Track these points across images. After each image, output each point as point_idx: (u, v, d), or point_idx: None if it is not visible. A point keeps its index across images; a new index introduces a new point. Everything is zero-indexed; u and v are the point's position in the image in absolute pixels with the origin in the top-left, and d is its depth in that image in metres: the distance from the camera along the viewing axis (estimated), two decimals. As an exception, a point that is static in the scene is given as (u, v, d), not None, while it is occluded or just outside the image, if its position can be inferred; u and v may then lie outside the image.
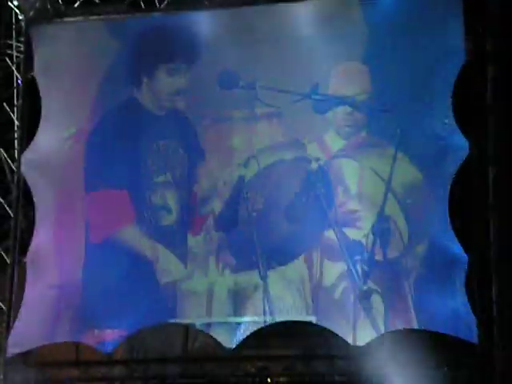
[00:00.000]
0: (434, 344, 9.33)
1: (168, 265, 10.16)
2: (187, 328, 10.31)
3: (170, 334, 10.39)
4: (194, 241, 10.18)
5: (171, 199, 10.31)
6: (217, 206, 10.19)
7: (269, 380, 9.86)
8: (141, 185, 10.42)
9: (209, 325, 9.95)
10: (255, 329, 9.79)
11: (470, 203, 9.55)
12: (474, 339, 9.25)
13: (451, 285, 9.43)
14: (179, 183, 10.34)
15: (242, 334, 9.84)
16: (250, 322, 9.83)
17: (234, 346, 9.79)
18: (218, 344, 9.85)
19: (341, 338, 9.47)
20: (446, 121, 9.63)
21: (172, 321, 10.04)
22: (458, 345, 9.30)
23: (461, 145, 9.56)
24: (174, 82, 10.50)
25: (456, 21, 9.78)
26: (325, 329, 9.59)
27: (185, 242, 10.20)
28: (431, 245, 9.56)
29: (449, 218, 9.45)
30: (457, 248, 9.44)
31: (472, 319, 9.26)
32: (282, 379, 9.91)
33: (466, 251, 9.39)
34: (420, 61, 9.85)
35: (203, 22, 10.53)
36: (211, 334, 9.89)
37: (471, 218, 9.52)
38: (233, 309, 9.91)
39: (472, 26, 9.78)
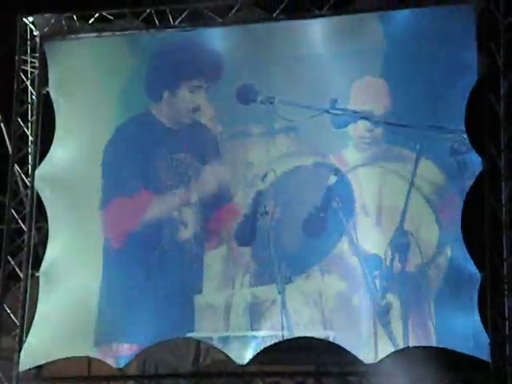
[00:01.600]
0: (446, 361, 9.28)
1: (185, 278, 10.15)
2: (199, 343, 10.31)
3: (182, 350, 10.39)
4: (211, 255, 10.18)
5: (188, 214, 10.31)
6: (236, 220, 10.17)
7: (280, 396, 9.84)
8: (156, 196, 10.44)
9: (226, 339, 9.91)
10: (267, 345, 9.76)
11: (482, 220, 9.50)
12: (487, 357, 9.19)
13: (464, 302, 9.38)
14: (196, 198, 10.34)
15: (254, 349, 9.81)
16: (268, 336, 9.78)
17: (245, 362, 9.77)
18: (230, 360, 9.83)
19: (353, 354, 9.43)
20: (464, 136, 9.61)
21: (190, 335, 10.02)
22: (470, 362, 9.25)
23: (472, 164, 9.53)
24: (195, 98, 10.52)
25: (469, 36, 9.77)
26: (337, 345, 9.55)
27: (202, 256, 10.19)
28: (451, 259, 9.49)
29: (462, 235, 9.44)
30: (470, 265, 9.40)
31: (484, 337, 9.20)
32: (293, 395, 9.89)
33: (478, 268, 9.35)
34: (434, 76, 9.84)
35: (222, 38, 10.57)
36: (225, 349, 9.85)
37: (484, 235, 9.47)
38: (250, 323, 9.88)
39: (485, 42, 9.77)
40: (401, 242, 9.63)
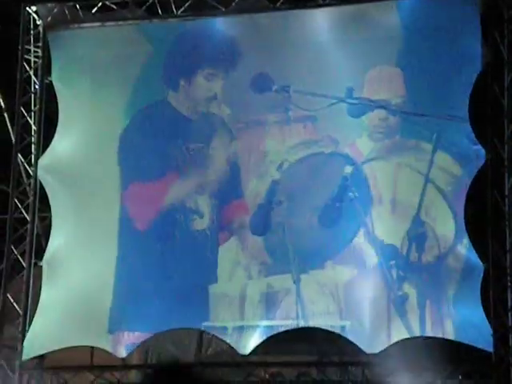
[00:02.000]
0: (448, 352, 9.29)
1: (199, 267, 10.14)
2: (201, 334, 10.32)
3: (184, 340, 10.41)
4: (225, 245, 10.16)
5: (203, 203, 10.29)
6: (251, 210, 10.14)
7: (282, 386, 9.86)
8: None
9: (241, 328, 9.87)
10: (269, 335, 9.78)
11: (485, 211, 9.50)
12: (490, 348, 9.19)
13: (467, 293, 9.39)
14: (211, 187, 10.34)
15: (256, 339, 9.82)
16: (283, 326, 9.75)
17: (247, 352, 9.78)
18: (232, 350, 9.84)
19: (355, 345, 9.44)
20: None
21: (205, 324, 9.97)
22: (472, 353, 9.26)
23: (477, 153, 9.51)
24: (211, 86, 10.46)
25: (473, 27, 9.73)
26: (340, 335, 9.57)
27: (216, 245, 10.18)
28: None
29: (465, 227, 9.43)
30: (473, 256, 9.40)
31: (487, 327, 9.20)
32: (295, 386, 9.91)
33: (481, 260, 9.35)
34: (442, 66, 9.80)
35: (235, 27, 10.54)
36: (238, 340, 9.83)
37: (486, 227, 9.46)
38: (265, 312, 9.85)
39: (489, 33, 9.74)
40: (418, 232, 9.57)
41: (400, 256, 9.56)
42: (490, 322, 9.20)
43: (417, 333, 9.41)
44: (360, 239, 9.73)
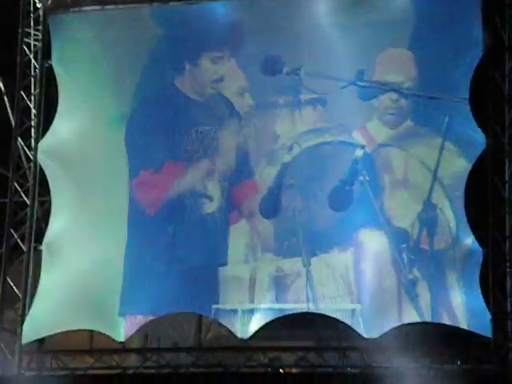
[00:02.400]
0: (447, 337, 9.31)
1: (209, 250, 10.15)
2: (200, 318, 10.34)
3: (184, 324, 10.43)
4: (235, 228, 10.15)
5: (212, 186, 10.28)
6: (260, 193, 10.12)
7: (281, 371, 9.86)
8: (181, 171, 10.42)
9: (251, 311, 9.87)
10: (269, 319, 9.80)
11: (485, 197, 9.49)
12: (488, 333, 9.21)
13: (466, 279, 9.40)
14: (220, 171, 10.31)
15: (256, 324, 9.84)
16: (293, 309, 9.74)
17: (247, 337, 9.80)
18: (232, 334, 9.86)
19: (354, 330, 9.46)
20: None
21: (215, 307, 9.97)
22: (471, 338, 9.28)
23: (478, 138, 9.50)
24: (217, 69, 10.43)
25: (474, 13, 9.69)
26: (338, 320, 9.58)
27: (226, 228, 10.18)
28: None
29: (465, 212, 9.43)
30: (472, 242, 9.40)
31: (486, 313, 9.22)
32: (294, 370, 9.91)
33: (480, 245, 9.35)
34: (445, 51, 9.76)
35: (244, 9, 10.47)
36: (247, 322, 9.84)
37: (486, 213, 9.45)
38: (275, 295, 9.84)
39: (490, 18, 9.70)
40: (429, 216, 9.57)
41: (411, 240, 9.57)
42: (488, 308, 9.21)
43: (428, 317, 9.42)
44: (371, 223, 9.72)
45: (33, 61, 10.96)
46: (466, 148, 9.60)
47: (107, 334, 10.15)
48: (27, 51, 10.96)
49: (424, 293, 9.47)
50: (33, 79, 10.94)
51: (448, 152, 9.62)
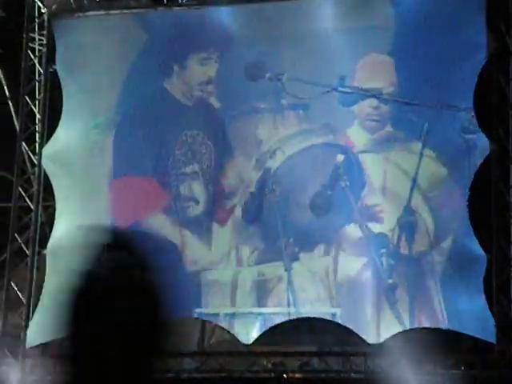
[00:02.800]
0: (451, 343, 9.28)
1: (193, 255, 10.17)
2: (204, 323, 10.34)
3: (187, 329, 10.41)
4: (219, 232, 10.19)
5: (199, 190, 10.32)
6: (243, 197, 10.17)
7: (284, 376, 9.85)
8: (168, 175, 10.45)
9: (232, 315, 9.93)
10: (273, 324, 9.79)
11: (489, 202, 9.47)
12: (493, 339, 9.18)
13: (470, 284, 9.37)
14: (206, 174, 10.35)
15: (259, 329, 9.83)
16: (274, 313, 9.80)
17: (250, 342, 9.79)
18: (235, 340, 9.85)
19: (357, 335, 9.45)
20: (473, 114, 9.53)
21: (197, 311, 10.02)
22: (475, 344, 9.25)
23: (482, 143, 9.48)
24: (205, 71, 10.48)
25: (478, 17, 9.68)
26: (342, 326, 9.57)
27: (211, 232, 10.21)
28: (455, 242, 9.49)
29: (468, 217, 9.40)
30: (476, 247, 9.37)
31: (490, 319, 9.19)
32: (297, 375, 9.89)
33: (485, 251, 9.33)
34: (443, 56, 9.76)
35: (232, 15, 10.53)
36: (230, 327, 9.87)
37: (491, 218, 9.43)
38: (257, 300, 9.90)
39: (494, 23, 9.69)
40: (408, 221, 9.60)
41: (390, 245, 9.60)
42: (492, 313, 9.18)
43: (407, 324, 9.45)
44: (351, 227, 9.76)
45: (37, 65, 10.99)
46: (445, 154, 9.63)
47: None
48: (32, 56, 10.99)
49: (403, 298, 9.50)
50: (37, 84, 10.97)
51: (427, 158, 9.66)
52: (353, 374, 9.60)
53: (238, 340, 9.82)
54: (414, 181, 9.66)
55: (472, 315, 9.29)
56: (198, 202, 10.27)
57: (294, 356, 9.88)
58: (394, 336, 9.38)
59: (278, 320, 9.76)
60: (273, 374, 9.88)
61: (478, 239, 9.33)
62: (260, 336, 9.76)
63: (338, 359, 9.70)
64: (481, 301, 9.21)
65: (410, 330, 9.43)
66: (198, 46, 10.54)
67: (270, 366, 9.93)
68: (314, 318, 9.71)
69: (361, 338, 9.43)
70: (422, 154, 9.66)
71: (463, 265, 9.43)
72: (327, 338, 9.83)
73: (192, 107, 10.52)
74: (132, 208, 10.50)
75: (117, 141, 10.67)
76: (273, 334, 9.78)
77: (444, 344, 9.24)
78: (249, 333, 9.82)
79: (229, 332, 9.92)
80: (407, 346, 9.20)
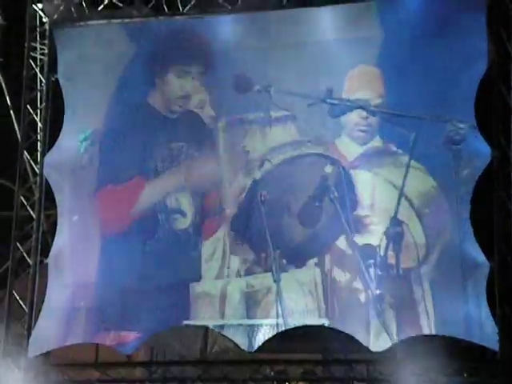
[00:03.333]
0: (452, 350, 9.28)
1: (181, 266, 10.18)
2: (206, 331, 10.34)
3: (190, 337, 10.42)
4: (208, 243, 10.21)
5: (185, 203, 10.33)
6: (231, 209, 10.18)
7: (287, 384, 9.87)
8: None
9: (222, 327, 9.94)
10: (274, 333, 9.78)
11: (491, 209, 9.48)
12: (495, 346, 9.18)
13: (473, 291, 9.37)
14: (193, 186, 10.36)
15: (261, 337, 9.83)
16: (262, 324, 9.80)
17: (253, 350, 9.78)
18: (238, 347, 9.84)
19: (360, 342, 9.44)
20: (461, 125, 9.57)
21: (186, 322, 10.02)
22: (477, 351, 9.25)
23: (482, 150, 9.50)
24: (182, 84, 10.54)
25: (479, 25, 9.71)
26: (344, 333, 9.56)
27: (199, 244, 10.22)
28: (449, 252, 9.50)
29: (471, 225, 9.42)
30: (478, 254, 9.38)
31: (493, 326, 9.19)
32: (300, 383, 9.89)
33: (487, 258, 9.33)
34: (441, 65, 9.79)
35: (220, 26, 10.57)
36: (228, 336, 9.88)
37: (493, 225, 9.44)
38: (246, 311, 9.90)
39: (495, 30, 9.71)
40: (395, 232, 9.64)
41: (378, 256, 9.62)
42: (495, 321, 9.19)
43: (394, 335, 9.43)
44: (339, 238, 9.79)
45: (39, 75, 11.00)
46: (432, 166, 9.67)
47: (113, 347, 10.14)
48: (33, 65, 11.00)
49: (390, 308, 9.52)
50: (39, 93, 10.97)
51: (415, 170, 9.71)
52: (355, 382, 9.59)
53: (241, 348, 9.80)
54: (401, 192, 9.68)
55: (475, 322, 9.29)
56: (185, 215, 10.28)
57: (296, 364, 9.86)
58: (397, 343, 9.37)
59: (275, 332, 9.75)
60: (275, 382, 9.88)
61: (480, 247, 9.34)
62: (263, 344, 9.74)
63: (341, 367, 9.69)
64: (484, 308, 9.22)
65: (413, 337, 9.42)
66: (177, 59, 10.61)
67: (272, 373, 9.92)
68: (316, 325, 9.70)
69: (363, 345, 9.42)
70: (408, 166, 9.71)
71: (465, 273, 9.43)
72: (330, 345, 9.83)
73: (176, 119, 10.55)
74: (117, 217, 10.50)
75: (102, 153, 10.72)
76: (275, 342, 9.77)
77: (447, 351, 9.23)
78: (251, 341, 9.81)
79: (231, 340, 9.91)
80: (410, 353, 9.21)
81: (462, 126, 9.58)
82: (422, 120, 9.69)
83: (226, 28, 10.54)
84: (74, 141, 10.77)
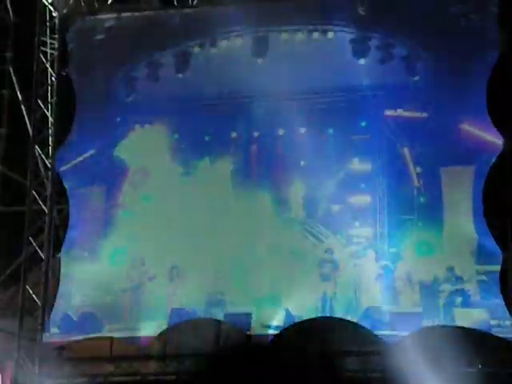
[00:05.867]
0: (468, 341, 9.26)
1: None
2: (219, 324, 10.33)
3: (203, 331, 10.41)
4: None
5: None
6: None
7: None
8: None
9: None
10: (287, 325, 9.79)
11: (505, 201, 9.46)
12: (509, 336, 9.18)
13: (486, 282, 9.38)
14: None
15: (274, 329, 9.83)
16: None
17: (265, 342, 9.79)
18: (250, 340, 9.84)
19: (374, 334, 9.45)
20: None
21: None
22: (492, 342, 9.24)
23: (494, 142, 9.49)
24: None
25: (491, 14, 9.69)
26: (358, 325, 9.57)
27: None
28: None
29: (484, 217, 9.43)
30: (491, 245, 9.38)
31: (507, 316, 9.19)
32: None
33: (501, 248, 9.33)
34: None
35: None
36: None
37: (506, 216, 9.43)
38: None
39: (507, 20, 9.69)
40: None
41: None
42: (509, 311, 9.19)
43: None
44: None
45: (49, 69, 10.97)
46: None
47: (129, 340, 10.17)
48: (43, 60, 10.97)
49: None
50: (49, 87, 10.95)
51: None
52: (370, 374, 9.58)
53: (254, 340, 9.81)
54: None
55: (489, 313, 9.29)
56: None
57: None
58: (411, 335, 9.37)
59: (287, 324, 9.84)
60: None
61: (494, 237, 9.33)
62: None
63: (356, 359, 9.68)
64: (498, 299, 9.22)
65: (425, 328, 9.42)
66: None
67: (286, 366, 9.89)
68: (330, 317, 9.71)
69: (378, 337, 9.43)
70: None
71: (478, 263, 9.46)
72: (345, 337, 9.82)
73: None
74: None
75: None
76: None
77: (460, 342, 9.22)
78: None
79: (243, 332, 9.92)
80: (424, 344, 9.20)
81: None
82: None
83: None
84: (85, 135, 10.78)
